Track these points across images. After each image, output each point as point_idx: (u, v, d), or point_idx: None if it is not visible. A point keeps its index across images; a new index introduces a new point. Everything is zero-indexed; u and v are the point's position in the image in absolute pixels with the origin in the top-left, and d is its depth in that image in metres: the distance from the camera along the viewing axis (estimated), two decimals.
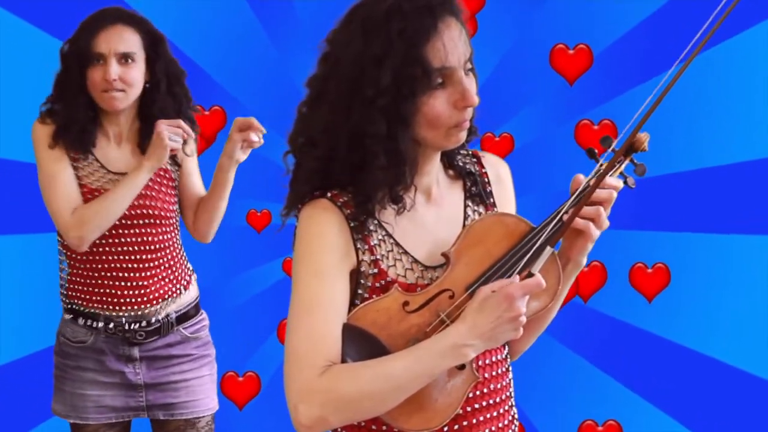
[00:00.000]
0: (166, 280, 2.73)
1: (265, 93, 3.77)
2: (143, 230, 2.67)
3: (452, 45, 1.55)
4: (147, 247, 2.68)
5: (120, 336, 2.68)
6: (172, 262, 2.74)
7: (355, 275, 1.60)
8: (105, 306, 2.67)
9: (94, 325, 2.67)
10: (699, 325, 3.86)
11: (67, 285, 2.72)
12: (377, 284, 1.59)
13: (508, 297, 1.50)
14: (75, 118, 2.63)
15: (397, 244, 1.62)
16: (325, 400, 1.52)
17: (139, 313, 2.68)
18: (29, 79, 3.38)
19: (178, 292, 2.75)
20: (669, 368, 3.88)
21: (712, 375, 3.85)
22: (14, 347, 3.78)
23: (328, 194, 1.60)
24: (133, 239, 2.66)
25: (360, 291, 1.60)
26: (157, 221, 2.69)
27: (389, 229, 1.62)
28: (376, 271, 1.59)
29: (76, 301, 2.70)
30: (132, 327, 2.67)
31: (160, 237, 2.71)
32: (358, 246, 1.59)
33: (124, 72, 2.60)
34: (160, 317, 2.70)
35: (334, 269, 1.57)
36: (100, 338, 2.68)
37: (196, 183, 2.84)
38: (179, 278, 2.76)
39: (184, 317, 2.76)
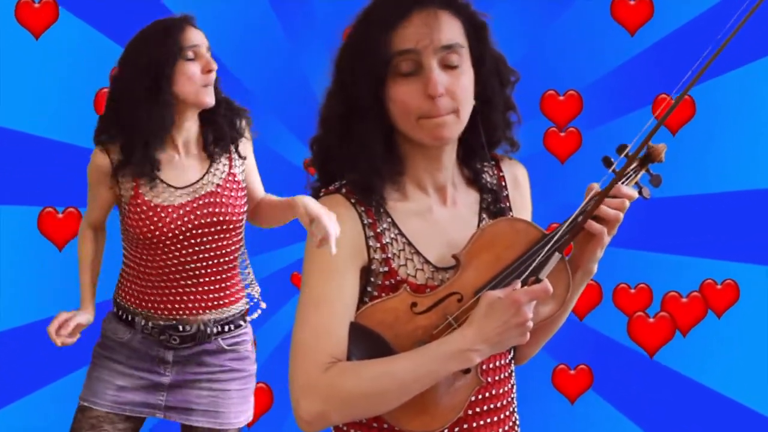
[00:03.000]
0: (218, 294, 2.68)
1: (279, 90, 3.79)
2: (209, 238, 2.63)
3: (424, 32, 1.56)
4: (217, 252, 2.65)
5: (155, 338, 2.66)
6: (232, 273, 2.70)
7: (366, 272, 1.60)
8: (152, 310, 2.65)
9: (134, 321, 2.66)
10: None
11: (128, 286, 2.70)
12: (387, 282, 1.59)
13: (515, 302, 1.50)
14: (164, 123, 2.57)
15: (409, 244, 1.62)
16: (327, 396, 1.52)
17: (177, 318, 2.65)
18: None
19: (224, 303, 2.71)
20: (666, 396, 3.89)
21: (705, 404, 3.85)
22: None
23: (343, 190, 1.61)
24: (196, 248, 2.62)
25: (369, 289, 1.60)
26: (226, 227, 2.64)
27: (402, 227, 1.62)
28: (386, 269, 1.59)
29: (125, 300, 2.69)
30: (168, 331, 2.65)
31: (230, 243, 2.67)
32: (370, 244, 1.59)
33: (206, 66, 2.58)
34: (198, 324, 2.67)
35: (345, 266, 1.57)
36: (137, 338, 2.67)
37: (253, 181, 2.78)
38: (231, 289, 2.72)
39: (224, 329, 2.72)
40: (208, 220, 2.61)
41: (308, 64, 3.71)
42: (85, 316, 2.70)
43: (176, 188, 2.62)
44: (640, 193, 1.65)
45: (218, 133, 2.67)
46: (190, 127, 2.64)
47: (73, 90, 3.73)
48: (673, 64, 3.62)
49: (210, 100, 2.59)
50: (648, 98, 3.73)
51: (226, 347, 2.71)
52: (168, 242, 2.60)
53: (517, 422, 1.73)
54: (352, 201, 1.60)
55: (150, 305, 2.66)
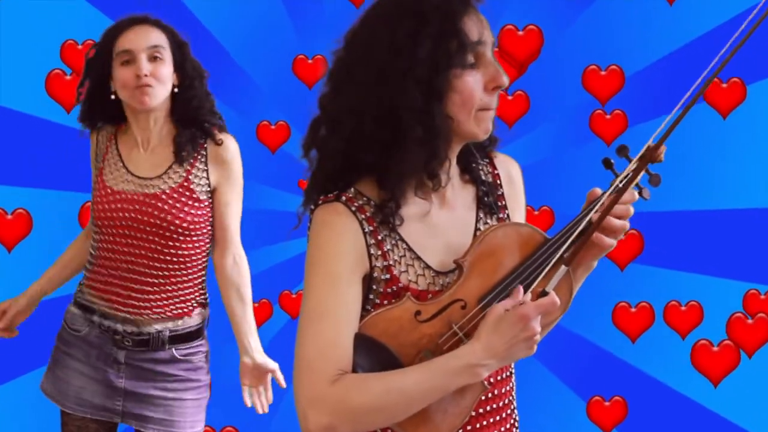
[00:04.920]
0: (170, 300, 2.69)
1: (287, 87, 3.84)
2: (156, 239, 2.64)
3: (482, 26, 1.57)
4: (164, 257, 2.65)
5: (110, 335, 2.68)
6: (180, 283, 2.69)
7: (368, 281, 1.58)
8: (105, 302, 2.68)
9: (92, 317, 2.70)
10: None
11: (89, 267, 2.74)
12: (389, 290, 1.58)
13: (523, 317, 1.48)
14: (101, 115, 2.70)
15: (410, 249, 1.60)
16: (335, 410, 1.50)
17: (132, 319, 2.67)
18: None
19: (179, 313, 2.71)
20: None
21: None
22: None
23: (343, 198, 1.58)
24: (147, 245, 2.65)
25: (371, 296, 1.58)
26: (170, 234, 2.64)
27: (402, 233, 1.60)
28: (388, 276, 1.58)
29: (86, 288, 2.73)
30: (122, 330, 2.67)
31: (179, 251, 2.67)
32: (372, 252, 1.57)
33: (154, 68, 2.61)
34: (151, 330, 2.68)
35: (347, 276, 1.55)
36: (94, 332, 2.70)
37: (222, 218, 2.73)
38: (186, 299, 2.71)
39: (179, 338, 2.72)
40: (150, 219, 2.63)
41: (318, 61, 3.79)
42: (20, 302, 2.81)
43: (130, 173, 2.68)
44: (640, 194, 1.63)
45: (190, 136, 2.68)
46: (148, 125, 2.68)
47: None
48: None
49: (147, 102, 2.61)
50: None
51: (179, 357, 2.73)
52: (115, 228, 2.64)
53: (517, 420, 1.72)
54: (353, 209, 1.57)
55: (103, 295, 2.68)
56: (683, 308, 3.83)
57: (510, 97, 3.86)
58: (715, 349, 3.80)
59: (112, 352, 2.69)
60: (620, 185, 1.58)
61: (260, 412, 2.84)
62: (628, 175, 1.59)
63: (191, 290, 2.73)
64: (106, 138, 2.74)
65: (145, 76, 2.59)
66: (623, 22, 3.80)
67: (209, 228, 2.72)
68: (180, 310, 2.71)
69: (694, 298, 3.82)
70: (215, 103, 2.76)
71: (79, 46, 3.79)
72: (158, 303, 2.68)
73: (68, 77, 3.80)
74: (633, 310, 3.84)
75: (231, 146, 2.72)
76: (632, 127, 3.78)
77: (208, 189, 2.70)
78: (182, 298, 2.71)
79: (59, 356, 2.76)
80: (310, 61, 3.89)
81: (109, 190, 2.67)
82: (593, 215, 1.57)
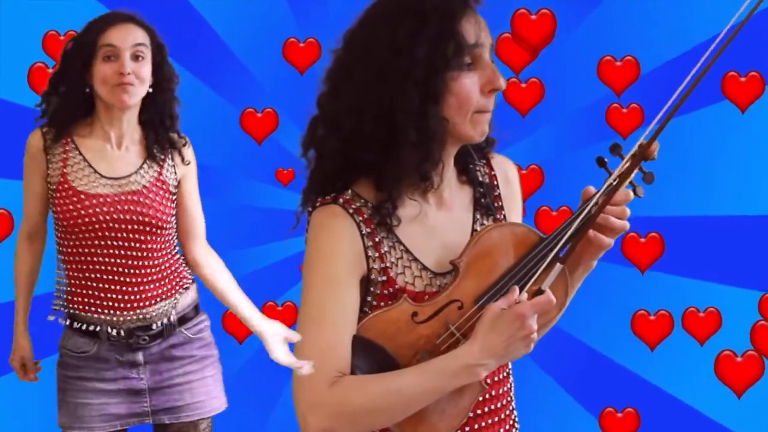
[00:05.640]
0: (163, 282, 2.74)
1: (289, 85, 3.76)
2: (137, 236, 2.67)
3: (480, 28, 1.57)
4: (141, 254, 2.68)
5: (124, 342, 2.70)
6: (166, 267, 2.75)
7: (365, 283, 1.59)
8: (104, 311, 2.68)
9: (97, 332, 2.69)
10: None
11: (65, 290, 2.73)
12: (386, 291, 1.59)
13: (519, 316, 1.49)
14: (68, 109, 2.66)
15: (407, 251, 1.61)
16: (334, 412, 1.51)
17: (140, 316, 2.70)
18: None
19: (176, 293, 2.76)
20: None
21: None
22: None
23: (340, 200, 1.59)
24: (128, 244, 2.67)
25: (369, 298, 1.59)
26: (151, 229, 2.68)
27: (399, 234, 1.61)
28: (385, 278, 1.59)
29: (75, 306, 2.70)
30: (135, 332, 2.69)
31: (154, 245, 2.71)
32: (369, 254, 1.58)
33: (136, 67, 2.62)
34: (161, 322, 2.72)
35: (345, 278, 1.56)
36: (104, 347, 2.70)
37: (192, 206, 2.83)
38: (176, 282, 2.78)
39: (184, 319, 2.78)
40: (133, 217, 2.65)
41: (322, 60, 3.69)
42: (25, 346, 2.80)
43: (103, 177, 2.67)
44: (634, 192, 1.63)
45: (159, 139, 2.72)
46: (124, 126, 2.69)
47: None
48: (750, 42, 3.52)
49: (126, 100, 2.63)
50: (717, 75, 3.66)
51: (192, 336, 2.78)
52: (95, 232, 2.64)
53: (516, 420, 1.73)
54: (350, 211, 1.58)
55: (100, 309, 2.67)
56: (701, 314, 3.80)
57: (524, 85, 3.81)
58: (739, 359, 3.76)
59: (129, 357, 2.71)
60: (614, 183, 1.59)
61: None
62: (621, 172, 1.59)
63: (178, 268, 2.80)
64: (56, 141, 2.68)
65: (128, 74, 2.60)
66: (641, 12, 3.76)
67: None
68: (175, 290, 2.77)
69: (713, 304, 3.79)
70: (178, 110, 2.79)
71: (61, 37, 3.72)
72: (155, 289, 2.72)
73: (50, 70, 3.71)
74: (652, 317, 3.81)
75: (191, 147, 2.82)
76: (649, 122, 3.75)
77: (176, 183, 2.77)
78: (174, 277, 2.77)
79: (68, 384, 2.73)
80: (301, 45, 3.73)
81: (82, 196, 2.64)
82: (587, 214, 1.58)
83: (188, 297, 2.81)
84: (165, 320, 2.73)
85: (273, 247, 3.73)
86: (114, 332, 2.68)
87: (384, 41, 1.54)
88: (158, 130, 2.73)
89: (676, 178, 3.67)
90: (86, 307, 2.69)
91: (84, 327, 2.70)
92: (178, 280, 2.79)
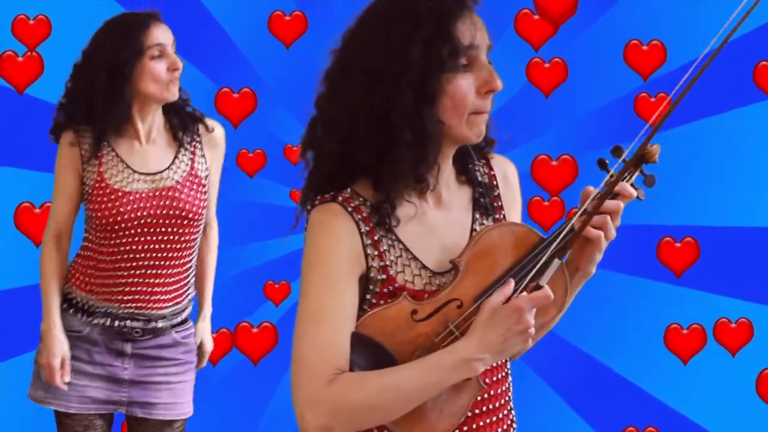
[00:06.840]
0: (182, 283, 2.81)
1: (293, 81, 3.69)
2: (172, 230, 2.75)
3: (477, 28, 1.57)
4: (174, 246, 2.76)
5: (116, 330, 2.76)
6: (189, 265, 2.83)
7: (364, 281, 1.60)
8: (109, 300, 2.75)
9: (93, 321, 2.75)
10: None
11: (82, 270, 2.78)
12: (385, 290, 1.59)
13: (517, 310, 1.49)
14: (115, 113, 2.72)
15: (406, 250, 1.61)
16: (332, 410, 1.52)
17: (145, 312, 2.76)
18: None
19: (179, 296, 2.82)
20: None
21: None
22: None
23: (339, 198, 1.60)
24: (162, 237, 2.74)
25: (368, 296, 1.60)
26: (184, 221, 2.76)
27: (398, 233, 1.61)
28: (384, 277, 1.59)
29: (80, 287, 2.76)
30: (130, 325, 2.75)
31: (190, 238, 2.80)
32: (368, 252, 1.59)
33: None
34: (161, 319, 2.78)
35: (344, 276, 1.57)
36: (96, 330, 2.76)
37: (212, 194, 2.91)
38: (188, 282, 2.85)
39: (180, 322, 2.84)
40: (169, 212, 2.73)
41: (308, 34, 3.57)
42: (63, 340, 2.75)
43: (137, 173, 2.74)
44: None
45: (182, 119, 2.80)
46: (152, 119, 2.78)
47: None
48: None
49: (176, 93, 2.74)
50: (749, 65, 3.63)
51: (180, 340, 2.84)
52: (131, 229, 2.71)
53: (514, 420, 1.72)
54: (349, 209, 1.59)
55: (109, 295, 2.74)
56: (733, 325, 3.75)
57: (547, 64, 3.75)
58: None
59: (118, 345, 2.78)
60: (606, 185, 1.59)
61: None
62: (624, 176, 1.60)
63: (191, 272, 2.86)
64: (97, 144, 2.74)
65: (179, 68, 2.72)
66: None
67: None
68: (183, 294, 2.83)
69: (744, 315, 3.74)
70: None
71: (31, 21, 3.63)
72: (170, 291, 2.79)
73: (20, 58, 3.63)
74: (685, 331, 3.76)
75: (220, 131, 2.89)
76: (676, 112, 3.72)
77: (207, 173, 2.84)
78: (186, 281, 2.84)
79: None
80: (287, 18, 3.55)
81: (120, 193, 2.73)
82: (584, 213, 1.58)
83: (187, 303, 2.87)
84: (164, 320, 2.79)
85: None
86: (111, 322, 2.75)
87: (379, 42, 1.55)
88: (179, 111, 2.82)
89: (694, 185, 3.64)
90: (101, 297, 2.75)
91: (78, 304, 2.76)
92: (188, 286, 2.86)
